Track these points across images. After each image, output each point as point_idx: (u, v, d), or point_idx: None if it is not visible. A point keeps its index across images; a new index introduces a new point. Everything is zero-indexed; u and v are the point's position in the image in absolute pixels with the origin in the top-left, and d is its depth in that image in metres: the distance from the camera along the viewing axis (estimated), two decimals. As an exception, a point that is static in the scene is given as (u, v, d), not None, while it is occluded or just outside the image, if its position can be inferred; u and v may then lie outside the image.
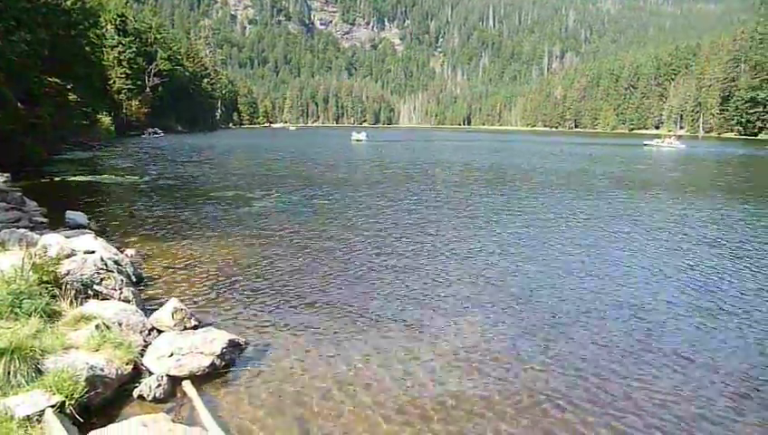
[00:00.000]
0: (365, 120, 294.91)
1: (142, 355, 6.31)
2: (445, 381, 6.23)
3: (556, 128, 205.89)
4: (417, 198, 20.85)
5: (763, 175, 37.42)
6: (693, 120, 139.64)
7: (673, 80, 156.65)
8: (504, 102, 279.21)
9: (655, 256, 12.26)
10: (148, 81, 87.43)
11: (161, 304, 7.61)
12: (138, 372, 6.03)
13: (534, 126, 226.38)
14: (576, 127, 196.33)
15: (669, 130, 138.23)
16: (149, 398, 5.61)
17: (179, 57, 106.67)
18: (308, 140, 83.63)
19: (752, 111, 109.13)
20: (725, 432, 5.39)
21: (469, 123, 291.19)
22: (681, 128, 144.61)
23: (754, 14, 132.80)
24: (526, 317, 8.28)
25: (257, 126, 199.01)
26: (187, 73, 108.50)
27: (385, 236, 13.78)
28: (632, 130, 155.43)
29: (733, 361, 6.98)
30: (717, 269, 11.21)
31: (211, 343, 6.39)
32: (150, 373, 5.99)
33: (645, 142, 71.22)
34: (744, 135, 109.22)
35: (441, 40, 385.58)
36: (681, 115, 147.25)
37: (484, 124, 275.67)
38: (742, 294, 9.64)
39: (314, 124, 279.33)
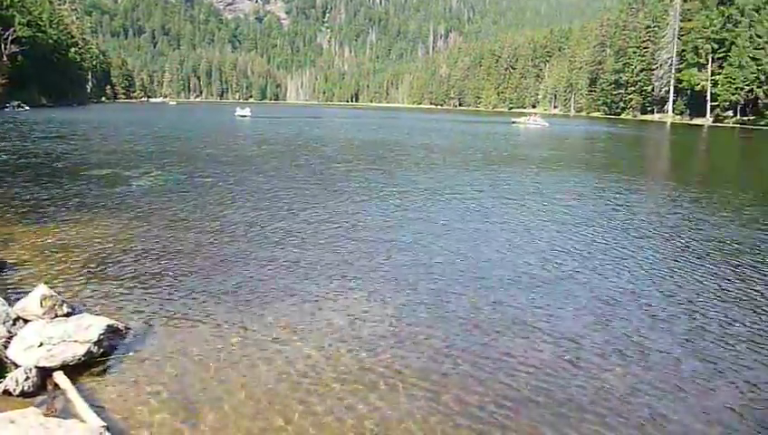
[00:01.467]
0: (251, 96, 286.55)
1: (6, 347, 5.80)
2: (325, 359, 6.25)
3: (441, 105, 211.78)
4: (300, 175, 20.66)
5: (595, 150, 40.89)
6: (566, 100, 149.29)
7: (548, 61, 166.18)
8: (392, 80, 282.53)
9: (514, 225, 13.06)
10: (5, 48, 79.18)
11: (28, 292, 7.02)
12: (1, 366, 5.54)
13: (421, 103, 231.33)
14: (460, 105, 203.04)
15: (545, 109, 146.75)
16: (17, 392, 5.19)
17: (41, 23, 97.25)
18: (189, 116, 79.98)
19: (615, 92, 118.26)
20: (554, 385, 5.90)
21: (357, 100, 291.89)
22: (555, 107, 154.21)
23: (618, 2, 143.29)
24: (406, 292, 8.46)
25: (134, 100, 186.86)
26: (50, 41, 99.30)
27: (267, 214, 13.53)
28: (512, 108, 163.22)
29: (568, 323, 7.62)
30: (571, 235, 12.17)
31: (86, 329, 6.00)
32: (17, 366, 5.53)
33: (512, 120, 75.08)
34: (610, 114, 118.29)
35: (328, 15, 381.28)
36: (555, 95, 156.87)
37: (371, 101, 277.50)
38: (586, 258, 10.55)
39: (197, 100, 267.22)
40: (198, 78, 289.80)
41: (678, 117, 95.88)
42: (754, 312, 7.99)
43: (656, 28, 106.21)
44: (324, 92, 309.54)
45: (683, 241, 12.14)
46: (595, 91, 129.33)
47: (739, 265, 10.32)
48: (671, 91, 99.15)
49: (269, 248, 10.44)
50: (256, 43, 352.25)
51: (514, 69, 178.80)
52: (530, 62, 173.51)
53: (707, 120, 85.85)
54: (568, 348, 6.68)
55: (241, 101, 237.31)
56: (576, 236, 12.30)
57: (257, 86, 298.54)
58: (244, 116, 73.90)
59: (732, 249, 11.57)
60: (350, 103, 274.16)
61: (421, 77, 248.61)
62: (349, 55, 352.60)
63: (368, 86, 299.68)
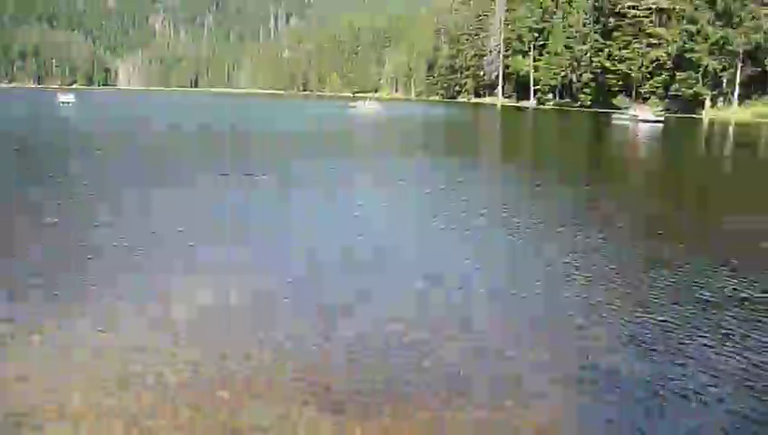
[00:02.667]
0: (75, 81, 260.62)
1: None
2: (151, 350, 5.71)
3: (286, 90, 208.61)
4: (112, 164, 18.79)
5: (418, 133, 42.85)
6: (406, 85, 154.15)
7: (389, 47, 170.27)
8: (233, 64, 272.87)
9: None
10: None
11: None
12: None
13: (264, 88, 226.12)
14: (305, 89, 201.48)
15: (387, 93, 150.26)
16: None
17: None
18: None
19: (451, 76, 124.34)
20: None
21: (197, 85, 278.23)
22: (397, 91, 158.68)
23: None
24: (241, 282, 7.88)
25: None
26: None
27: (84, 205, 12.06)
28: (356, 93, 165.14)
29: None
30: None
31: None
32: None
33: (349, 104, 75.99)
34: (447, 98, 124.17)
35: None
36: (397, 79, 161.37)
37: (213, 86, 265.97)
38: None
39: (10, 85, 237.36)
40: (11, 61, 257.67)
41: (507, 100, 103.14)
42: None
43: (484, 17, 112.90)
44: (160, 77, 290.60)
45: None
46: (433, 76, 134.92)
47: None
48: (500, 76, 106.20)
49: (85, 242, 9.08)
50: (80, 23, 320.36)
51: (357, 54, 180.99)
52: (371, 47, 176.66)
53: (532, 103, 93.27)
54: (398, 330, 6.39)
55: (64, 87, 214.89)
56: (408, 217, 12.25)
57: (83, 71, 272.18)
58: (68, 102, 68.98)
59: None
60: (191, 89, 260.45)
61: (264, 61, 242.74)
62: (185, 38, 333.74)
63: (208, 70, 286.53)
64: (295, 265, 9.07)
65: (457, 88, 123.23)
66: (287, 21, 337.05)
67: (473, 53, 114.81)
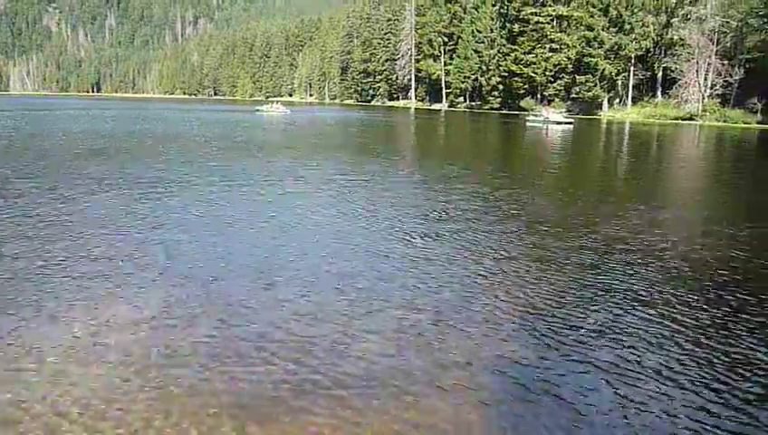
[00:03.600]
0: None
1: None
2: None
3: (196, 95, 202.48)
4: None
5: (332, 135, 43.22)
6: (320, 88, 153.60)
7: (301, 50, 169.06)
8: (138, 68, 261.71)
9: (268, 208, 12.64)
10: None
11: None
12: None
13: (173, 93, 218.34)
14: (216, 94, 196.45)
15: (301, 97, 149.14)
16: None
17: None
18: None
19: (365, 80, 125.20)
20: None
21: (99, 90, 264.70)
22: (311, 95, 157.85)
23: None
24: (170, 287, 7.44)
25: None
26: None
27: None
28: (268, 97, 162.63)
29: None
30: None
31: None
32: None
33: (256, 108, 74.91)
34: (361, 101, 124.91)
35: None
36: (310, 83, 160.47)
37: (117, 91, 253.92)
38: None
39: None
40: None
41: (420, 103, 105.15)
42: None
43: (395, 21, 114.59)
44: (58, 81, 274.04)
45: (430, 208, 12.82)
46: (347, 80, 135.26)
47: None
48: (413, 79, 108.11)
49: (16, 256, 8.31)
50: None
51: (269, 57, 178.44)
52: (284, 50, 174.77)
53: (444, 106, 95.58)
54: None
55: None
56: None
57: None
58: None
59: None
60: (92, 94, 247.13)
61: (171, 65, 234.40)
62: (84, 40, 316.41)
63: (111, 75, 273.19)
64: (196, 271, 8.84)
65: (371, 91, 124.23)
66: (195, 24, 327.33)
67: (385, 56, 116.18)
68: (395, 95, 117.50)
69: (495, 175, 20.93)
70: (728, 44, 57.32)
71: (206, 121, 50.66)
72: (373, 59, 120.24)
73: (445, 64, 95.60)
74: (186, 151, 25.74)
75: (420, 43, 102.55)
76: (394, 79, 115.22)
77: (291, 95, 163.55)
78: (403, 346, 6.25)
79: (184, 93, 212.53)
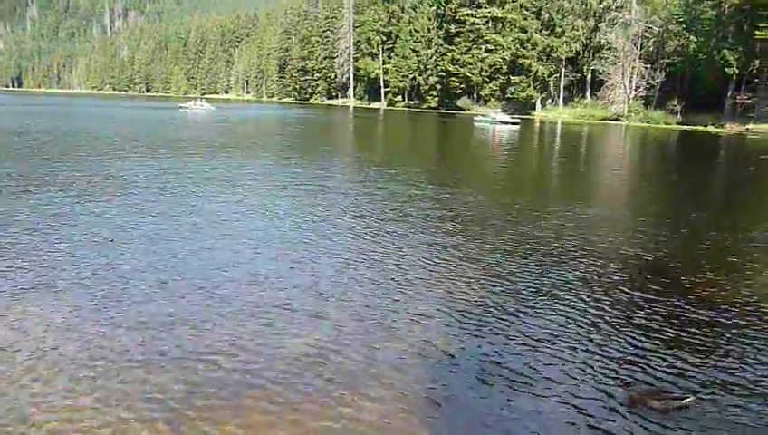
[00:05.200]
0: None
1: None
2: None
3: (126, 91, 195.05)
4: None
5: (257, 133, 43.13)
6: (257, 86, 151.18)
7: (238, 47, 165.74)
8: (64, 62, 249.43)
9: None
10: None
11: None
12: None
13: (101, 89, 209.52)
14: (148, 91, 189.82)
15: (238, 94, 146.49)
16: None
17: None
18: None
19: (303, 78, 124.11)
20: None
21: (20, 85, 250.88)
22: (248, 92, 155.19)
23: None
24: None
25: None
26: None
27: None
28: (204, 94, 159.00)
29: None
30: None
31: None
32: None
33: (180, 106, 73.26)
34: (300, 99, 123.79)
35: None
36: (247, 81, 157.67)
37: (40, 86, 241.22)
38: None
39: None
40: None
41: (359, 101, 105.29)
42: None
43: (334, 19, 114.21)
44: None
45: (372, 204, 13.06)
46: (285, 78, 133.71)
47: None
48: (351, 78, 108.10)
49: None
50: None
51: (204, 53, 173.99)
52: (219, 46, 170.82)
53: (383, 105, 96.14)
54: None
55: None
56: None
57: None
58: None
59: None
60: (11, 89, 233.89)
61: (99, 60, 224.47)
62: (4, 32, 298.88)
63: (33, 69, 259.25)
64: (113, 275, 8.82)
65: (310, 89, 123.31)
66: (125, 17, 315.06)
67: (324, 54, 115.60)
68: (334, 94, 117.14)
69: (440, 175, 21.47)
70: (651, 49, 60.49)
71: (121, 119, 49.09)
72: (311, 57, 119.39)
73: (383, 63, 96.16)
74: (73, 150, 24.73)
75: (359, 41, 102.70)
76: (333, 77, 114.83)
77: (227, 92, 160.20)
78: (328, 346, 6.41)
79: (114, 89, 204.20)
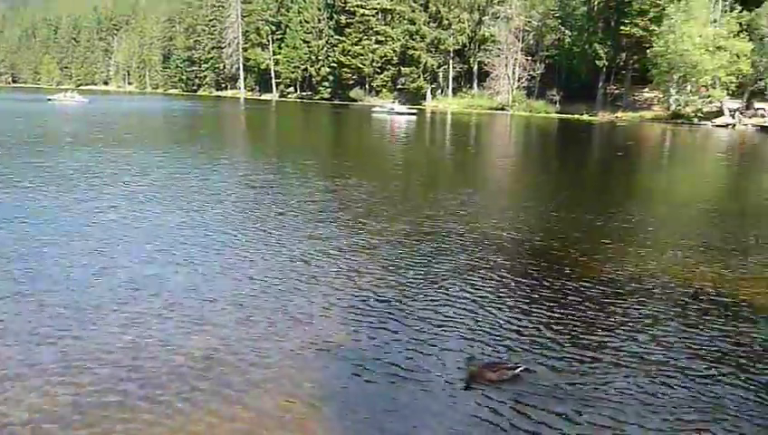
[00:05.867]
0: None
1: None
2: None
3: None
4: None
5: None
6: (140, 77, 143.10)
7: (116, 35, 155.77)
8: None
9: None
10: None
11: None
12: None
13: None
14: (15, 81, 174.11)
15: (118, 86, 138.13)
16: None
17: None
18: None
19: (189, 69, 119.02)
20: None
21: None
22: (130, 84, 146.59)
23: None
24: None
25: None
26: None
27: None
28: (80, 85, 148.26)
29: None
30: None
31: None
32: None
33: (48, 97, 68.55)
34: (187, 91, 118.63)
35: None
36: (128, 71, 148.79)
37: None
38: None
39: None
40: None
41: (250, 93, 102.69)
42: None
43: (221, 8, 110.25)
44: None
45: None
46: (170, 68, 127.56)
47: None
48: (241, 68, 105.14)
49: None
50: None
51: (78, 42, 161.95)
52: (95, 34, 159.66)
53: (275, 96, 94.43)
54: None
55: None
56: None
57: None
58: None
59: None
60: None
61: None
62: None
63: None
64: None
65: (198, 80, 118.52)
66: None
67: (211, 44, 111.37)
68: (223, 85, 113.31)
69: (334, 166, 21.37)
70: (531, 42, 63.81)
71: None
72: (198, 47, 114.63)
73: (273, 54, 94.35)
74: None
75: (248, 31, 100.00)
76: (221, 68, 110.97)
77: (107, 84, 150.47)
78: (212, 349, 6.22)
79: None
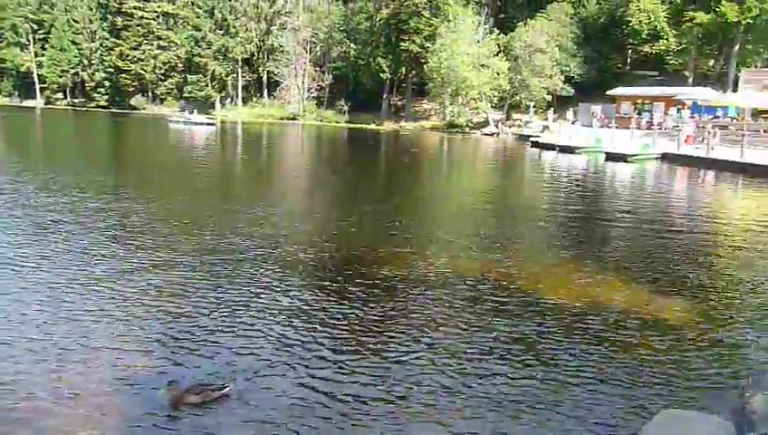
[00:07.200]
0: None
1: None
2: None
3: None
4: None
5: None
6: None
7: None
8: None
9: None
10: None
11: None
12: None
13: None
14: None
15: None
16: None
17: None
18: None
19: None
20: None
21: None
22: None
23: None
24: None
25: None
26: None
27: None
28: None
29: None
30: None
31: None
32: None
33: None
34: None
35: None
36: None
37: None
38: None
39: None
40: None
41: (8, 99, 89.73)
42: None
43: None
44: None
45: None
46: None
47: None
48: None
49: None
50: None
51: None
52: None
53: (40, 103, 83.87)
54: None
55: None
56: None
57: None
58: None
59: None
60: None
61: None
62: None
63: None
64: None
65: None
66: None
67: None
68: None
69: (115, 181, 19.55)
70: (319, 53, 65.45)
71: None
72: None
73: (36, 55, 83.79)
74: None
75: (2, 28, 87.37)
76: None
77: None
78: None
79: None
